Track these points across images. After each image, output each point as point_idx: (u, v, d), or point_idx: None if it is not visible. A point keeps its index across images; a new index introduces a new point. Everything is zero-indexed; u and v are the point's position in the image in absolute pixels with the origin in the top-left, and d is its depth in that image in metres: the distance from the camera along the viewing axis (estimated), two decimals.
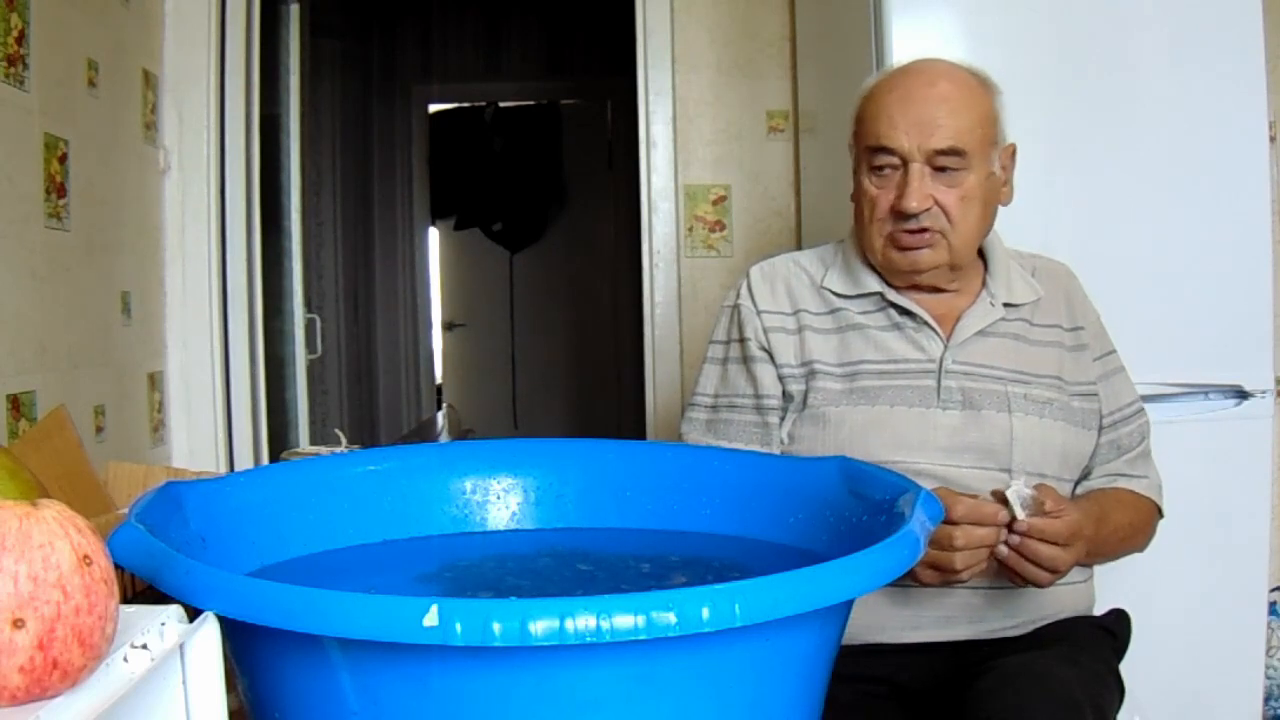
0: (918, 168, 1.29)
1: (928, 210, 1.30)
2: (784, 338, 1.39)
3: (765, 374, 1.39)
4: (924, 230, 1.31)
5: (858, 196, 1.37)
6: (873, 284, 1.38)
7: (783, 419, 1.38)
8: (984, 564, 1.18)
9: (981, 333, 1.36)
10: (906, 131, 1.29)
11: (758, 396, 1.39)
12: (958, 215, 1.31)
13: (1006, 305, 1.38)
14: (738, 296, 1.45)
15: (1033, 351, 1.37)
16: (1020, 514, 1.16)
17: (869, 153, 1.33)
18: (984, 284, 1.40)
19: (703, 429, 1.43)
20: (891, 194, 1.32)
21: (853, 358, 1.36)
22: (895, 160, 1.31)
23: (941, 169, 1.30)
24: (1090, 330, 1.43)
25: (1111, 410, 1.40)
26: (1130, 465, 1.40)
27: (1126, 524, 1.35)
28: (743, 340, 1.41)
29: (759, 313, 1.41)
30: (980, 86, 1.34)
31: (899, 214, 1.31)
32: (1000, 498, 1.17)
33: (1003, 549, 1.18)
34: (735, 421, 1.40)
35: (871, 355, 1.35)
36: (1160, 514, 1.42)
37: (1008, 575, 1.21)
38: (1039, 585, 1.21)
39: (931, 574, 1.18)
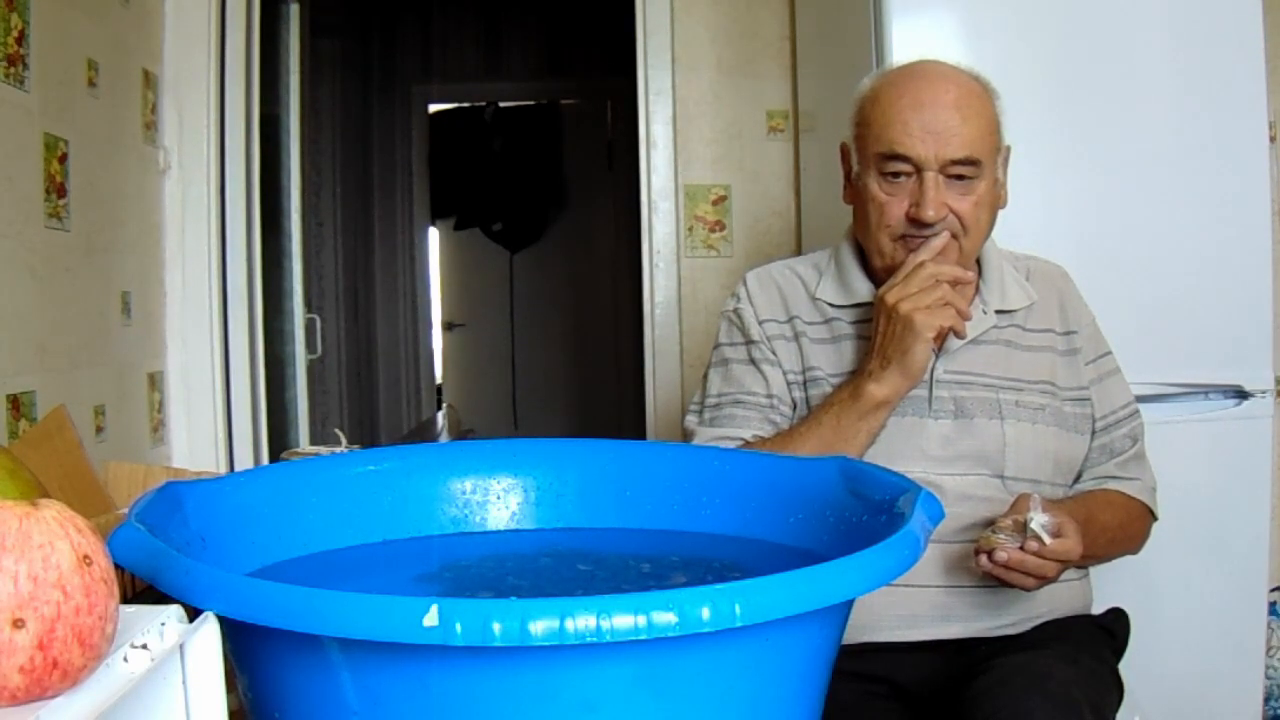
0: (932, 176, 1.28)
1: (943, 219, 1.29)
2: (785, 344, 1.40)
3: (774, 375, 1.39)
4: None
5: (863, 201, 1.35)
6: (865, 293, 1.38)
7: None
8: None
9: (973, 341, 1.36)
10: (922, 139, 1.27)
11: (769, 395, 1.39)
12: (971, 222, 1.31)
13: (999, 312, 1.38)
14: (738, 302, 1.44)
15: (1025, 357, 1.37)
16: (1048, 541, 1.18)
17: (880, 159, 1.31)
18: (977, 290, 1.39)
19: (709, 422, 1.42)
20: (904, 201, 1.30)
21: (847, 368, 1.36)
22: (908, 168, 1.29)
23: (956, 177, 1.29)
24: (1084, 334, 1.42)
25: (1104, 414, 1.40)
26: (1121, 468, 1.40)
27: (1115, 525, 1.35)
28: (749, 343, 1.41)
29: (760, 321, 1.41)
30: (984, 91, 1.33)
31: (915, 222, 1.30)
32: (1020, 527, 1.18)
33: (1002, 554, 1.18)
34: (739, 416, 1.39)
35: None
36: (1154, 516, 1.42)
37: (995, 579, 1.22)
38: (1024, 589, 1.23)
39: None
